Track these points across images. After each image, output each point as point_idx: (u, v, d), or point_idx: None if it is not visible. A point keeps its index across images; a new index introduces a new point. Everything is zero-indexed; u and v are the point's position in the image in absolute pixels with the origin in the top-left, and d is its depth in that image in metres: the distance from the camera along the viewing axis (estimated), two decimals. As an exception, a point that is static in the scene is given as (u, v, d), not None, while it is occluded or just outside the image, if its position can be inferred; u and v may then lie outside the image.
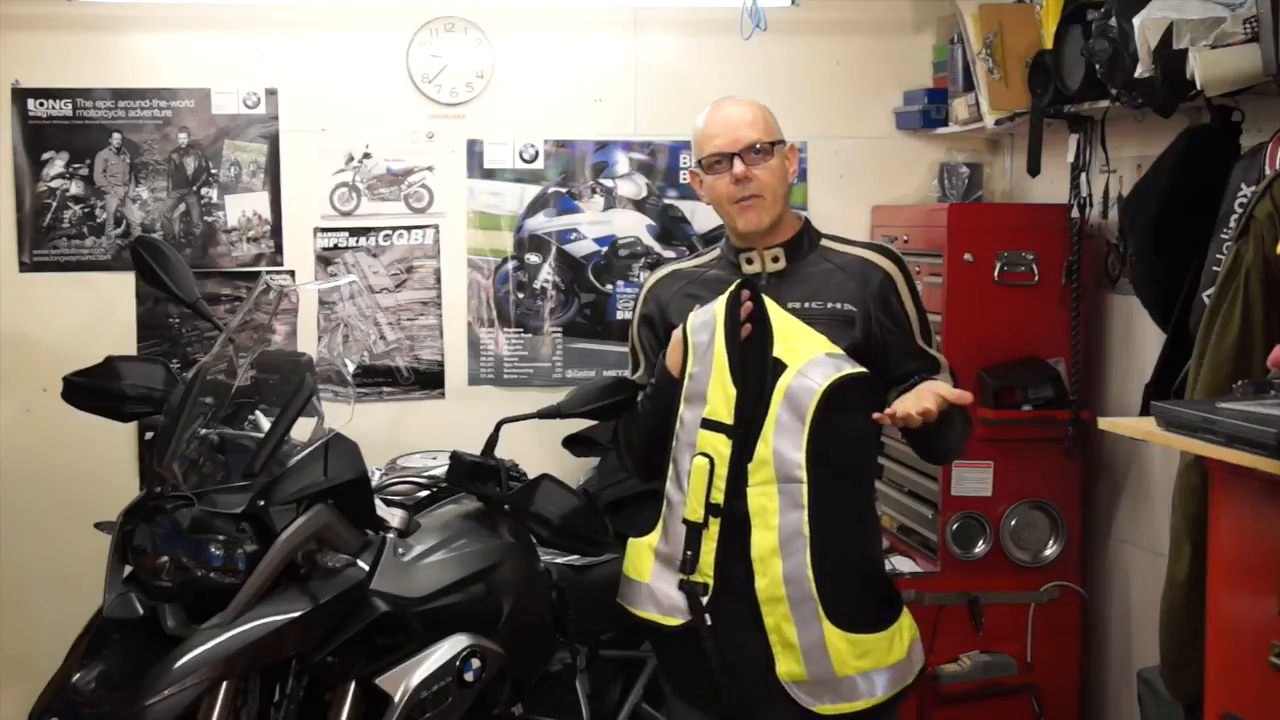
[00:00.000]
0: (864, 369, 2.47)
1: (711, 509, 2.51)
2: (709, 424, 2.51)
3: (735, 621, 2.51)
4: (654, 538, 2.63)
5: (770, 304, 2.54)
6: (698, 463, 2.51)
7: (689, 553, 2.53)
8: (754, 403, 2.47)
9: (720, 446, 2.49)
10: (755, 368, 2.49)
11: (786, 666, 2.47)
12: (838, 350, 2.49)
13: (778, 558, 2.44)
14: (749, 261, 2.65)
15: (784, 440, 2.43)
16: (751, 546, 2.46)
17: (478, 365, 4.21)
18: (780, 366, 2.46)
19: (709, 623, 2.53)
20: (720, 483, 2.49)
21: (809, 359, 2.45)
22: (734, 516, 2.48)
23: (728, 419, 2.49)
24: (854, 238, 2.76)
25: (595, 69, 4.20)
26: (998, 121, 3.82)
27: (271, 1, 4.04)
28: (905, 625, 2.54)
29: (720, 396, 2.50)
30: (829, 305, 2.59)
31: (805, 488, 2.43)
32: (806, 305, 2.59)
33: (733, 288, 2.56)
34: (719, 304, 2.55)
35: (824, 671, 2.45)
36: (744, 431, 2.47)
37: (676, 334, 2.61)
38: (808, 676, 2.46)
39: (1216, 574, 2.32)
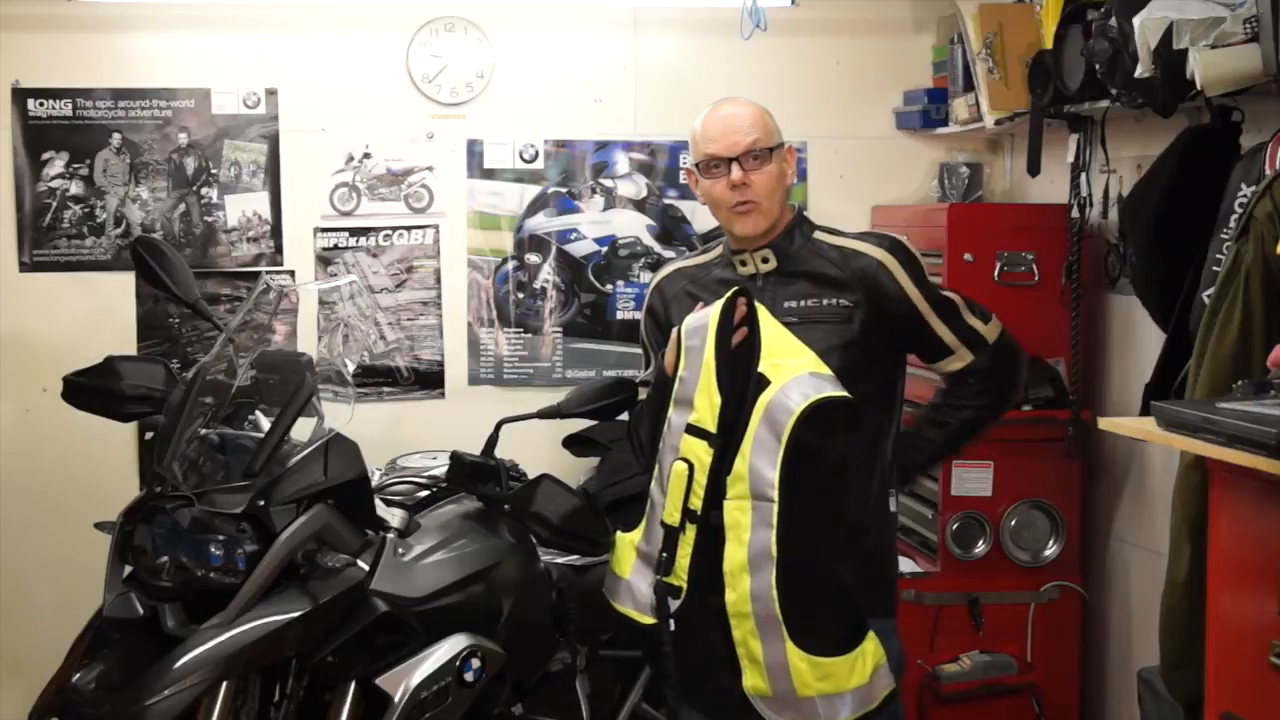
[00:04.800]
0: (846, 394, 2.42)
1: (689, 514, 2.49)
2: (693, 430, 2.50)
3: (709, 626, 2.51)
4: (637, 535, 2.63)
5: (764, 315, 2.52)
6: (677, 468, 2.51)
7: (665, 554, 2.53)
8: (734, 414, 2.45)
9: (702, 454, 2.48)
10: (740, 379, 2.47)
11: (752, 680, 2.46)
12: (825, 370, 2.45)
13: (746, 574, 2.42)
14: (742, 264, 2.64)
15: (760, 457, 2.42)
16: (724, 559, 2.45)
17: (478, 365, 4.21)
18: (764, 382, 2.44)
19: (671, 627, 2.53)
20: (699, 489, 2.48)
21: (792, 377, 2.43)
22: (710, 526, 2.47)
23: (711, 426, 2.48)
24: (848, 229, 2.73)
25: (595, 69, 4.20)
26: (998, 121, 3.82)
27: (271, 1, 4.04)
28: (869, 650, 2.48)
29: (706, 404, 2.49)
30: (825, 302, 2.58)
31: (775, 507, 2.40)
32: (803, 304, 2.58)
33: (729, 294, 2.53)
34: (714, 309, 2.53)
35: (786, 690, 2.43)
36: (725, 441, 2.46)
37: (675, 333, 2.60)
38: (771, 693, 2.45)
39: (1216, 574, 2.31)
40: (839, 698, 2.45)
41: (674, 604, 2.53)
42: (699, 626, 2.52)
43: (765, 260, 2.62)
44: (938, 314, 2.62)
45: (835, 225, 2.72)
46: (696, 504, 2.49)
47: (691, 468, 2.49)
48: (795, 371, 2.44)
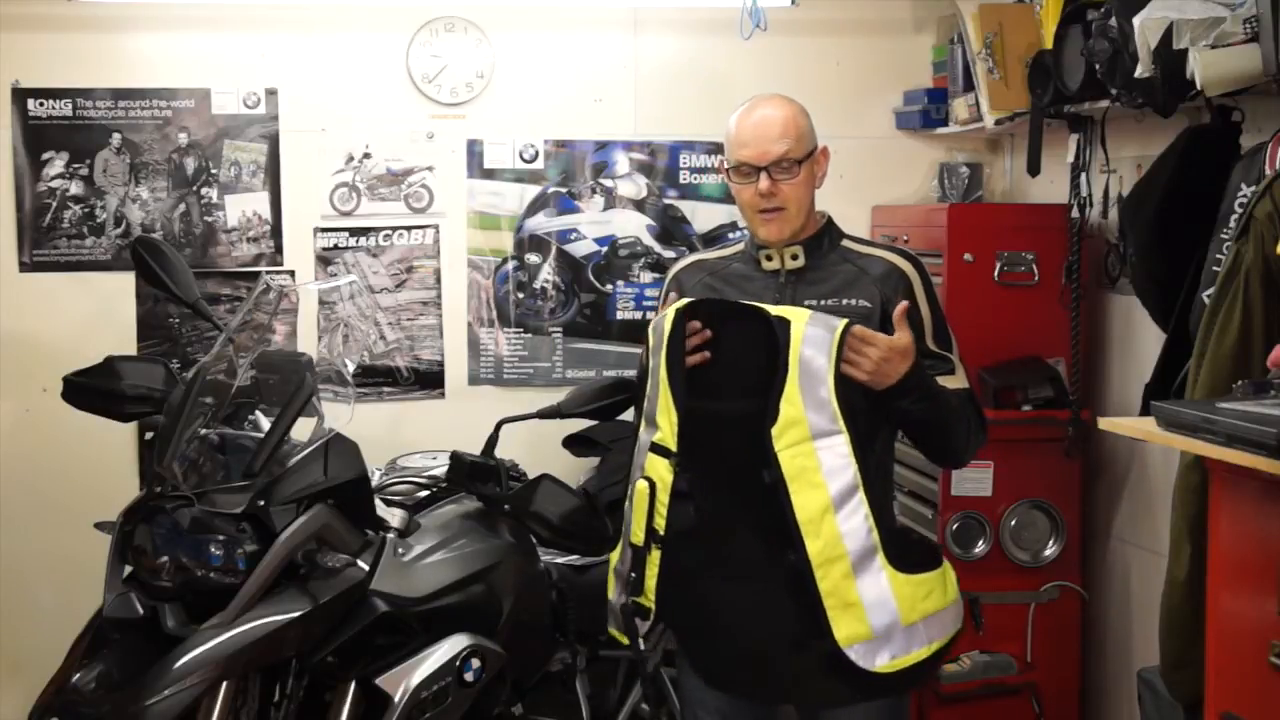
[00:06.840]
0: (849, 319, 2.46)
1: (652, 534, 2.49)
2: (656, 448, 2.51)
3: (761, 603, 2.50)
4: (615, 555, 2.64)
5: (736, 303, 2.53)
6: (639, 487, 2.51)
7: (634, 575, 2.53)
8: (770, 370, 2.42)
9: (664, 472, 2.49)
10: (766, 333, 2.44)
11: (848, 629, 2.41)
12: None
13: (831, 514, 2.39)
14: (768, 259, 2.64)
15: (810, 394, 2.39)
16: (795, 510, 2.40)
17: (478, 365, 4.21)
18: (785, 322, 2.43)
19: (641, 647, 2.54)
20: (661, 508, 2.48)
21: (809, 314, 2.45)
22: (765, 484, 2.42)
23: (672, 445, 2.48)
24: (875, 240, 2.75)
25: (595, 69, 4.20)
26: (998, 121, 3.82)
27: (271, 1, 4.04)
28: (948, 565, 2.54)
29: (667, 422, 2.50)
30: (844, 302, 2.58)
31: (845, 437, 2.39)
32: (824, 303, 2.58)
33: (676, 306, 2.53)
34: (665, 327, 2.52)
35: (890, 622, 2.41)
36: (760, 401, 2.41)
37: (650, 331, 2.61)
38: (873, 633, 2.41)
39: (1216, 574, 2.32)
40: (936, 617, 2.47)
41: (643, 625, 2.54)
42: (743, 611, 2.52)
43: (794, 257, 2.62)
44: (935, 338, 2.63)
45: (838, 226, 2.73)
46: (660, 523, 2.48)
47: (654, 486, 2.49)
48: (804, 312, 2.45)
